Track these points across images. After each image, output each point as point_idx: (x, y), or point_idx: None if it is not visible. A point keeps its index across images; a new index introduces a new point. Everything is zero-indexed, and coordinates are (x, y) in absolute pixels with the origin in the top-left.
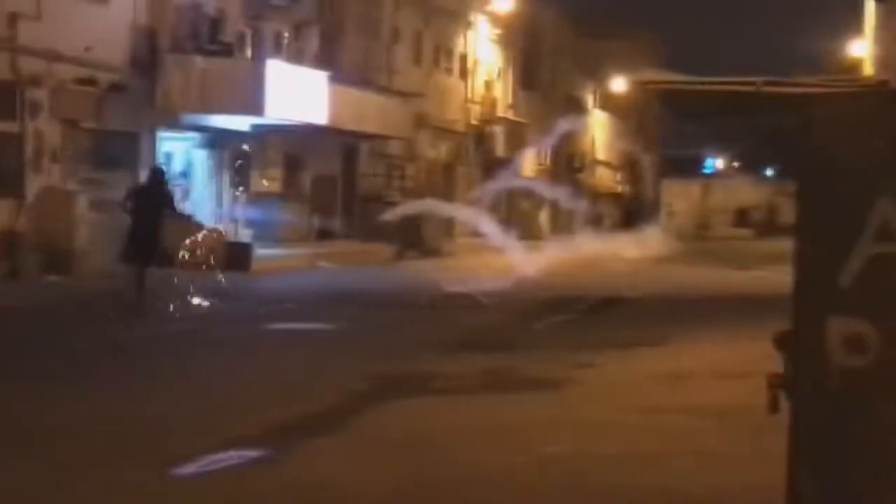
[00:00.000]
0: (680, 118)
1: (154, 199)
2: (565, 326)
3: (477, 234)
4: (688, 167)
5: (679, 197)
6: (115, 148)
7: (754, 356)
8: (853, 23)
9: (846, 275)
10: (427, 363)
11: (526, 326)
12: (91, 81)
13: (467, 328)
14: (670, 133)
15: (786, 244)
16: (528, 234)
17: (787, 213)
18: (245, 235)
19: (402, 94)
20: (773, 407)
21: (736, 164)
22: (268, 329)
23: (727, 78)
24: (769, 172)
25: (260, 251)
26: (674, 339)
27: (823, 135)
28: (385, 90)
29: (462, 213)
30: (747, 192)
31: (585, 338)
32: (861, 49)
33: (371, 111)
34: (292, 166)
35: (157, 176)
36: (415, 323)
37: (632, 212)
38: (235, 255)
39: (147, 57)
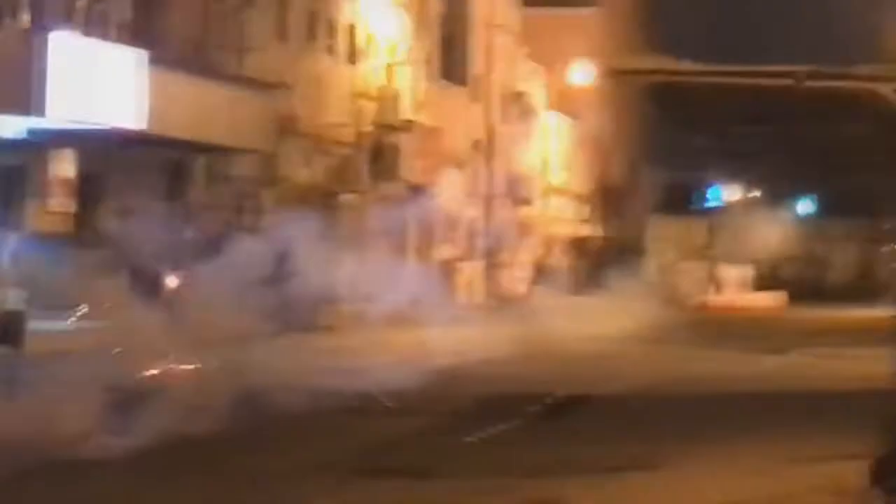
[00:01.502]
0: (676, 126)
1: None
2: (511, 439)
3: (372, 299)
4: (687, 198)
5: (674, 242)
6: None
7: (799, 488)
8: None
9: None
10: (310, 497)
11: (453, 440)
12: None
13: (367, 444)
14: (662, 148)
15: (837, 315)
16: (451, 297)
17: (839, 268)
18: (16, 298)
19: (259, 85)
20: None
21: (756, 192)
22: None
23: (753, 67)
24: (805, 208)
25: (38, 323)
26: (673, 461)
27: None
28: (233, 78)
29: (349, 267)
30: (775, 237)
31: (541, 457)
32: None
33: (211, 110)
34: (90, 194)
35: None
36: (289, 436)
37: (604, 264)
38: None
39: None
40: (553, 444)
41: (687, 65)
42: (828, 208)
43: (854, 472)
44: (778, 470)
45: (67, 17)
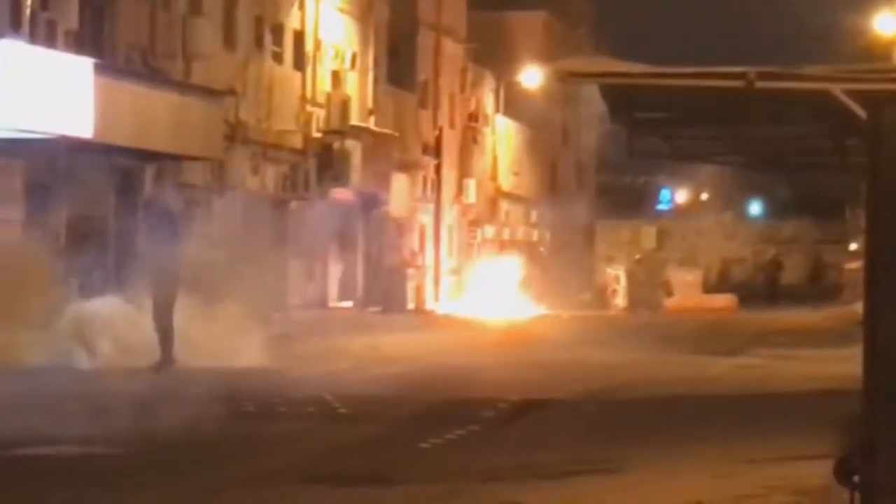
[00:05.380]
0: (628, 129)
1: None
2: (467, 444)
3: (320, 303)
4: (636, 201)
5: (623, 246)
6: None
7: (759, 488)
8: None
9: None
10: None
11: (407, 445)
12: None
13: (322, 451)
14: (612, 152)
15: (789, 317)
16: (402, 303)
17: (789, 270)
18: None
19: (207, 92)
20: None
21: (705, 195)
22: None
23: (702, 68)
24: (755, 209)
25: None
26: (632, 463)
27: None
28: (180, 86)
29: (299, 274)
30: (725, 240)
31: (498, 462)
32: (891, 26)
33: (159, 118)
34: (38, 201)
35: None
36: (244, 444)
37: (555, 269)
38: None
39: None
40: (510, 449)
41: (637, 67)
42: (779, 210)
43: (813, 472)
44: (738, 471)
45: (13, 26)
